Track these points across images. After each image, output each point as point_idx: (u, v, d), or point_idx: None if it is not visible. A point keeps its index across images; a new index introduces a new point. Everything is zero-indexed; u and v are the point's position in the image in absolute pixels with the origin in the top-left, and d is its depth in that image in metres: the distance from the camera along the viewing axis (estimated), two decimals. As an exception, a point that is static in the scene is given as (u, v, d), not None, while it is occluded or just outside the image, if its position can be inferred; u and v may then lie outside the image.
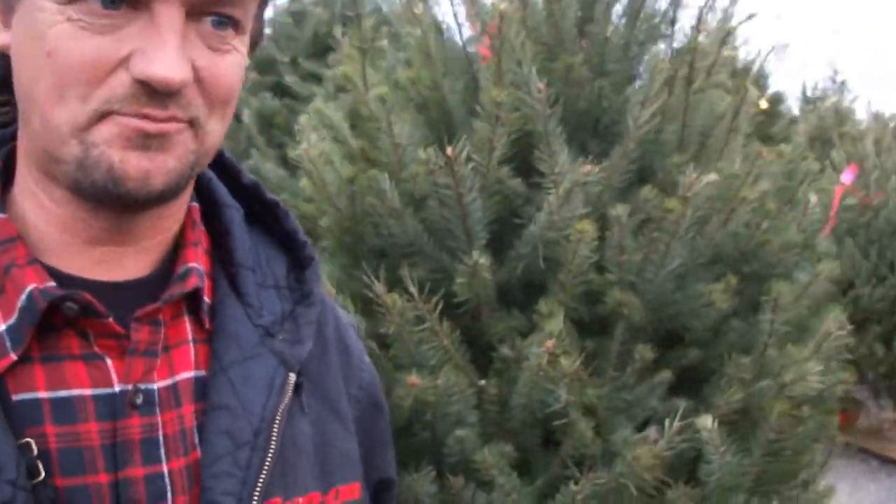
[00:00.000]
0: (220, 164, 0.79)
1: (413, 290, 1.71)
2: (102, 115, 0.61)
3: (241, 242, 0.77)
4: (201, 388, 0.70)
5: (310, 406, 0.76)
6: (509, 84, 1.85)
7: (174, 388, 0.69)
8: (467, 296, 1.80)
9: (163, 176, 0.63)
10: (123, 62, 0.61)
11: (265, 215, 0.81)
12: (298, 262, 0.80)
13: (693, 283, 1.82)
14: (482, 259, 1.73)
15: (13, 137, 0.72)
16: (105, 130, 0.62)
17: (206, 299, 0.73)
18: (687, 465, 1.73)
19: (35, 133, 0.65)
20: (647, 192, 1.81)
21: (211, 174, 0.78)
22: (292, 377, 0.73)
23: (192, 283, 0.70)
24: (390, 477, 0.91)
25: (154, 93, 0.61)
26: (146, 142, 0.62)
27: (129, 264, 0.70)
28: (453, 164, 1.77)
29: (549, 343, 1.60)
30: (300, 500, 0.73)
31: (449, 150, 1.76)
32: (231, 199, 0.79)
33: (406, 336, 1.76)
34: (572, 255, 1.74)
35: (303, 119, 2.34)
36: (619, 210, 1.72)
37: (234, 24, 0.64)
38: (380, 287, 1.74)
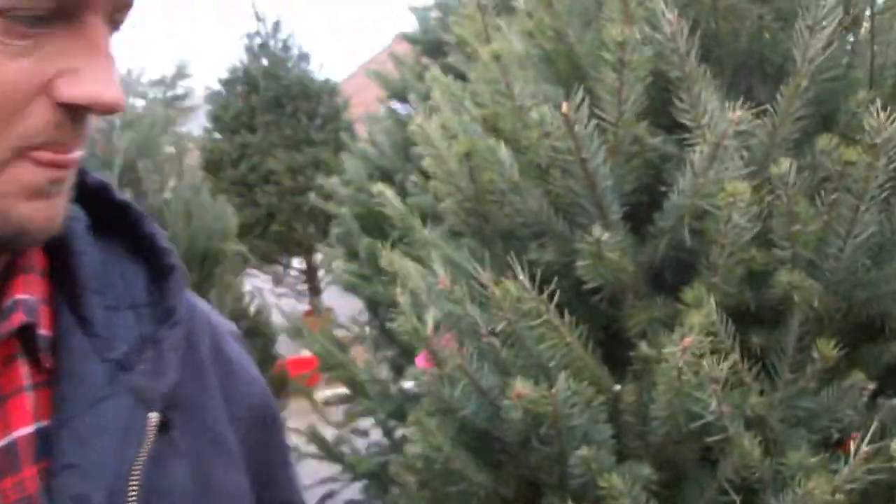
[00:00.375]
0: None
1: (522, 277, 1.41)
2: (12, 157, 0.53)
3: (85, 258, 0.65)
4: (45, 443, 0.58)
5: (185, 445, 0.64)
6: (639, 19, 1.50)
7: (12, 448, 0.57)
8: (595, 280, 1.48)
9: (59, 218, 0.59)
10: (44, 86, 0.53)
11: (118, 221, 0.68)
12: (159, 272, 0.68)
13: (891, 257, 1.38)
14: (606, 235, 1.41)
15: None
16: (10, 179, 0.54)
17: (45, 332, 0.61)
18: (884, 495, 1.31)
19: None
20: (824, 142, 1.39)
21: None
22: (153, 417, 0.61)
23: (18, 319, 0.58)
24: (293, 501, 0.81)
25: (79, 115, 0.55)
26: (51, 187, 0.56)
27: None
28: (571, 124, 1.46)
29: (687, 340, 1.25)
30: None
31: (564, 107, 1.45)
32: (72, 208, 0.64)
33: (521, 333, 1.47)
34: (725, 227, 1.37)
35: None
36: (783, 166, 1.33)
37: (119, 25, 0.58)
38: (485, 275, 1.47)
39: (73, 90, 0.54)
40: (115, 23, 0.57)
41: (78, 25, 0.54)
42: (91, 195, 0.68)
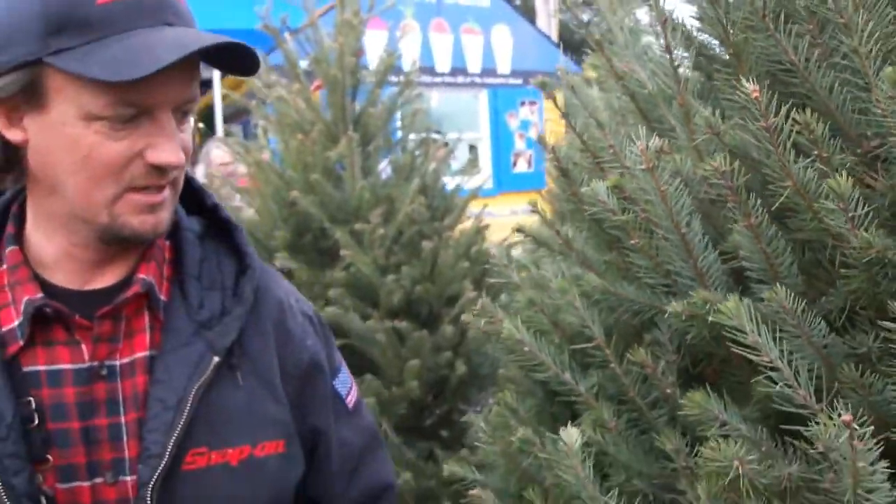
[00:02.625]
0: (189, 190, 1.02)
1: None
2: (123, 193, 0.90)
3: (190, 257, 1.00)
4: (150, 365, 0.94)
5: (245, 382, 0.98)
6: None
7: (133, 364, 0.94)
8: None
9: (164, 225, 0.94)
10: (138, 154, 0.88)
11: (222, 230, 1.05)
12: (242, 268, 1.03)
13: None
14: None
15: (11, 200, 0.99)
16: (123, 206, 0.90)
17: (163, 298, 0.97)
18: None
19: (63, 204, 0.92)
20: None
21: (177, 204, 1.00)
22: (215, 360, 0.95)
23: (135, 289, 0.94)
24: (318, 427, 1.07)
25: (161, 170, 0.90)
26: (153, 208, 0.92)
27: (106, 276, 0.96)
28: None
29: None
30: (230, 450, 0.96)
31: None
32: (188, 221, 1.03)
33: None
34: None
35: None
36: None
37: (189, 113, 0.95)
38: None
39: (155, 157, 0.88)
40: (184, 112, 0.92)
41: (155, 117, 0.88)
42: (208, 211, 1.05)
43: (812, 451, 0.75)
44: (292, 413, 1.06)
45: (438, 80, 8.47)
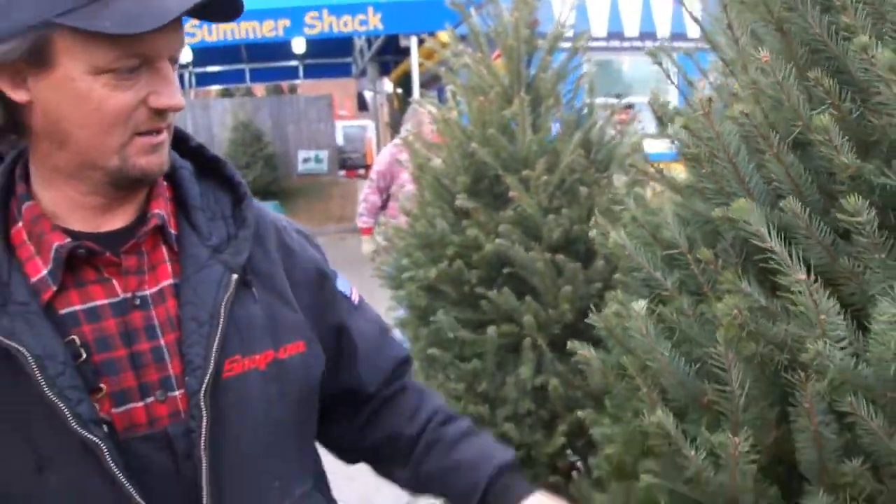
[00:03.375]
0: (175, 135, 1.10)
1: None
2: (131, 138, 0.99)
3: (191, 191, 1.11)
4: (177, 290, 1.05)
5: (259, 296, 1.10)
6: None
7: (160, 292, 1.05)
8: None
9: (167, 163, 1.05)
10: (142, 101, 0.97)
11: (212, 167, 1.15)
12: (237, 197, 1.14)
13: None
14: None
15: (13, 163, 1.06)
16: (132, 150, 1.00)
17: (173, 231, 1.07)
18: None
19: (73, 155, 0.99)
20: None
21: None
22: (234, 277, 1.07)
23: (153, 222, 1.05)
24: (339, 323, 1.23)
25: (163, 113, 1.00)
26: (156, 148, 1.01)
27: (118, 219, 1.06)
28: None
29: None
30: (257, 356, 1.07)
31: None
32: (181, 161, 1.13)
33: None
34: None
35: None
36: None
37: (177, 61, 1.03)
38: None
39: (158, 102, 0.98)
40: (174, 60, 1.00)
41: (155, 67, 0.97)
42: (194, 152, 1.15)
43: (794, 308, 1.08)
44: (312, 318, 1.17)
45: (627, 44, 8.62)
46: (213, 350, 1.02)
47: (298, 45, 11.37)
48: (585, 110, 3.04)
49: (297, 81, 16.74)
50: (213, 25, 9.51)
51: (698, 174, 1.37)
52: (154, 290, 1.04)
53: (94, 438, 0.96)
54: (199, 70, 13.58)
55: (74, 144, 0.98)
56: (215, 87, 16.87)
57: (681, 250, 1.43)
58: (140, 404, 1.01)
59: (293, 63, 13.71)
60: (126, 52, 0.93)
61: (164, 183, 1.10)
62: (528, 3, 2.98)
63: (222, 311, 1.04)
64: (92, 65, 0.93)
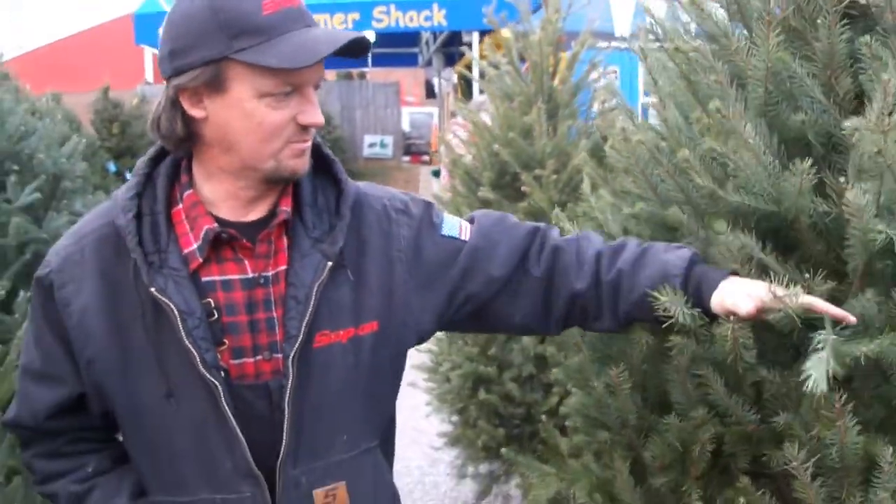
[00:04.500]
0: None
1: None
2: (284, 146, 1.21)
3: (305, 188, 1.30)
4: (286, 274, 1.26)
5: (350, 279, 1.29)
6: None
7: (277, 274, 1.26)
8: None
9: (308, 166, 1.26)
10: (292, 118, 1.20)
11: (325, 165, 1.34)
12: (340, 193, 1.32)
13: None
14: None
15: (180, 160, 1.28)
16: (285, 154, 1.21)
17: (290, 222, 1.27)
18: None
19: (236, 159, 1.22)
20: None
21: None
22: (328, 264, 1.26)
23: (282, 217, 1.26)
24: (468, 254, 1.38)
25: (307, 128, 1.22)
26: (302, 154, 1.23)
27: (257, 212, 1.27)
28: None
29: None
30: (341, 331, 1.28)
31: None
32: None
33: None
34: None
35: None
36: None
37: (319, 87, 1.25)
38: None
39: (305, 119, 1.20)
40: (316, 86, 1.22)
41: (303, 92, 1.19)
42: (314, 150, 1.29)
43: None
44: (423, 282, 1.34)
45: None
46: (305, 324, 1.22)
47: (369, 37, 11.91)
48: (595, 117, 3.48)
49: (366, 70, 17.28)
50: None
51: (623, 182, 1.82)
52: (273, 272, 1.25)
53: (214, 380, 1.20)
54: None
55: (238, 150, 1.21)
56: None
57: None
58: (251, 360, 1.24)
59: (363, 51, 14.24)
60: (283, 81, 1.16)
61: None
62: (552, 22, 3.43)
63: (314, 293, 1.23)
64: (257, 90, 1.17)
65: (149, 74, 16.84)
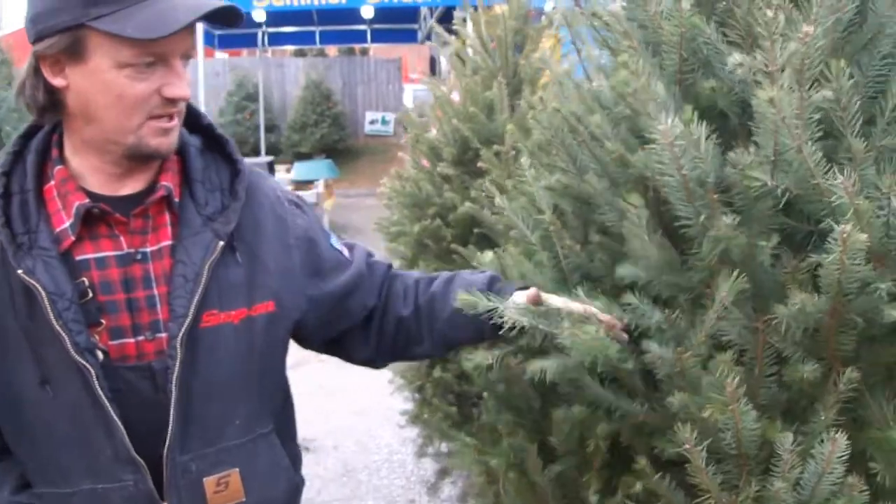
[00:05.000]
0: (190, 113, 1.29)
1: None
2: (145, 121, 1.16)
3: (194, 165, 1.28)
4: (173, 250, 1.23)
5: (242, 261, 1.27)
6: None
7: (159, 250, 1.23)
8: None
9: (174, 144, 1.22)
10: (156, 91, 1.15)
11: (217, 144, 1.32)
12: (234, 172, 1.30)
13: None
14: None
15: (51, 132, 1.24)
16: (146, 131, 1.17)
17: (176, 199, 1.25)
18: None
19: (97, 130, 1.17)
20: None
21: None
22: (221, 243, 1.23)
23: (161, 193, 1.23)
24: (344, 268, 1.40)
25: (173, 102, 1.17)
26: (166, 133, 1.19)
27: (131, 185, 1.24)
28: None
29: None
30: (233, 312, 1.25)
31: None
32: (189, 137, 1.29)
33: None
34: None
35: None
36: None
37: (190, 58, 1.22)
38: None
39: (170, 92, 1.15)
40: (187, 57, 1.18)
41: (168, 63, 1.15)
42: (204, 129, 1.31)
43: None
44: (307, 274, 1.34)
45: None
46: (194, 303, 1.19)
47: (367, 12, 11.79)
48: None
49: (366, 45, 17.16)
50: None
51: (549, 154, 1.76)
52: (154, 248, 1.22)
53: (87, 364, 1.15)
54: (272, 30, 14.13)
55: (100, 123, 1.16)
56: (290, 47, 17.47)
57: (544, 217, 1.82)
58: (132, 340, 1.20)
59: (362, 27, 14.16)
60: (144, 52, 1.12)
61: (175, 157, 1.27)
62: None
63: (205, 271, 1.20)
64: (116, 60, 1.12)
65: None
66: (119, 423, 1.17)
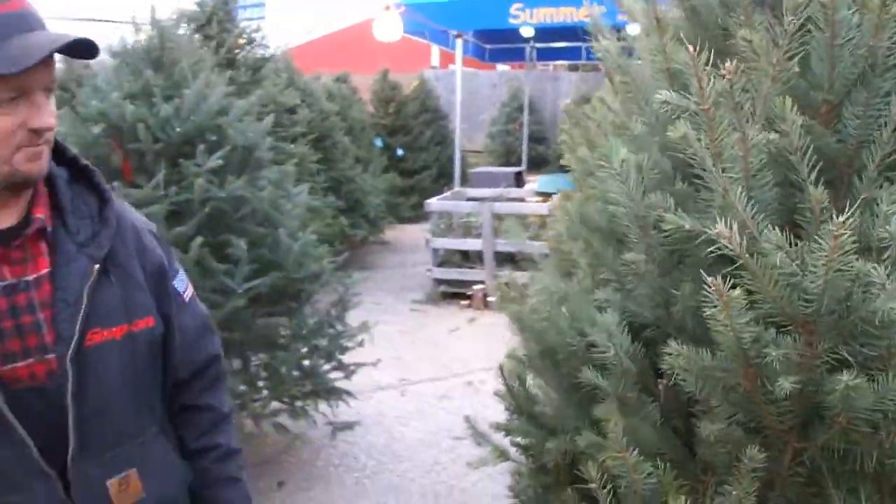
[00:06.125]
0: (55, 147, 1.33)
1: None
2: (14, 151, 1.20)
3: (63, 195, 1.34)
4: (52, 277, 1.28)
5: (117, 282, 1.34)
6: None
7: (39, 278, 1.28)
8: None
9: (44, 169, 1.26)
10: (22, 123, 1.19)
11: (83, 174, 1.38)
12: (103, 201, 1.37)
13: None
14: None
15: None
16: (17, 158, 1.21)
17: (49, 228, 1.30)
18: None
19: None
20: None
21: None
22: (96, 267, 1.31)
23: (36, 224, 1.28)
24: (167, 314, 1.45)
25: (39, 132, 1.21)
26: (36, 158, 1.23)
27: (6, 219, 1.27)
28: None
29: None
30: (114, 328, 1.32)
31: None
32: (58, 169, 1.35)
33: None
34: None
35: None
36: None
37: (52, 91, 1.26)
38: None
39: (34, 123, 1.18)
40: (49, 90, 1.21)
41: (29, 97, 1.18)
42: (70, 161, 1.36)
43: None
44: (155, 302, 1.40)
45: None
46: (78, 325, 1.26)
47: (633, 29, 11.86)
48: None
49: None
50: (554, 10, 10.47)
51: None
52: (34, 276, 1.27)
53: None
54: (540, 45, 14.63)
55: None
56: (564, 62, 17.90)
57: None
58: (22, 364, 1.25)
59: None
60: (5, 87, 1.16)
61: (45, 189, 1.32)
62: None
63: (84, 295, 1.28)
64: None
65: (434, 60, 18.11)
66: (28, 439, 1.24)
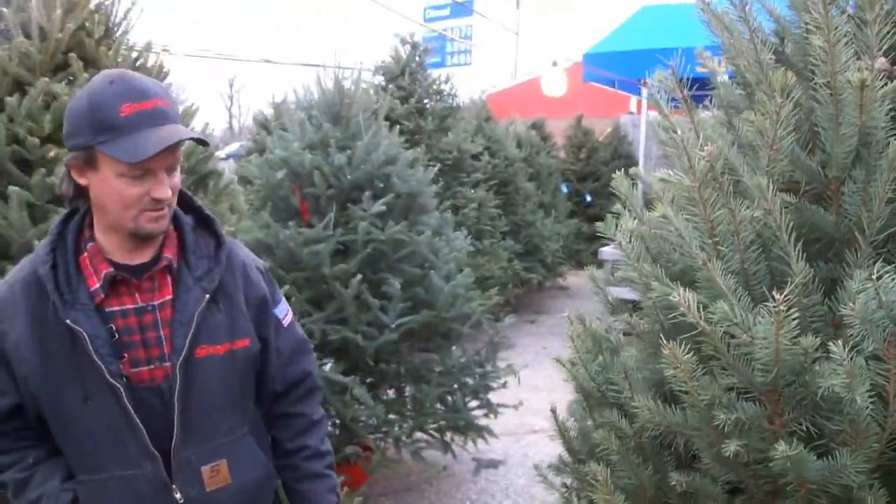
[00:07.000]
0: (182, 198, 1.67)
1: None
2: (140, 213, 1.53)
3: (188, 239, 1.66)
4: (173, 303, 1.61)
5: (223, 308, 1.66)
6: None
7: (163, 303, 1.61)
8: None
9: (163, 229, 1.59)
10: (146, 193, 1.51)
11: (205, 221, 1.72)
12: (218, 244, 1.69)
13: None
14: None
15: (84, 215, 1.62)
16: (143, 218, 1.53)
17: (175, 265, 1.63)
18: None
19: (109, 217, 1.55)
20: None
21: (177, 209, 1.66)
22: (207, 296, 1.62)
23: (164, 262, 1.62)
24: (265, 337, 1.75)
25: (159, 201, 1.53)
26: (158, 219, 1.56)
27: (142, 256, 1.61)
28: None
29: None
30: (218, 346, 1.63)
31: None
32: (185, 217, 1.68)
33: None
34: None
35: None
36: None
37: (174, 169, 1.58)
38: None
39: (155, 194, 1.51)
40: (172, 169, 1.54)
41: (155, 174, 1.50)
42: (196, 209, 1.71)
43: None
44: (255, 327, 1.70)
45: None
46: (188, 340, 1.57)
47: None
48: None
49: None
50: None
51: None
52: (159, 301, 1.59)
53: (117, 385, 1.53)
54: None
55: (109, 213, 1.54)
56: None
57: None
58: (146, 368, 1.57)
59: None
60: (135, 167, 1.47)
61: (174, 233, 1.65)
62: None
63: (194, 318, 1.58)
64: (116, 171, 1.48)
65: (632, 106, 17.95)
66: (141, 427, 1.56)
